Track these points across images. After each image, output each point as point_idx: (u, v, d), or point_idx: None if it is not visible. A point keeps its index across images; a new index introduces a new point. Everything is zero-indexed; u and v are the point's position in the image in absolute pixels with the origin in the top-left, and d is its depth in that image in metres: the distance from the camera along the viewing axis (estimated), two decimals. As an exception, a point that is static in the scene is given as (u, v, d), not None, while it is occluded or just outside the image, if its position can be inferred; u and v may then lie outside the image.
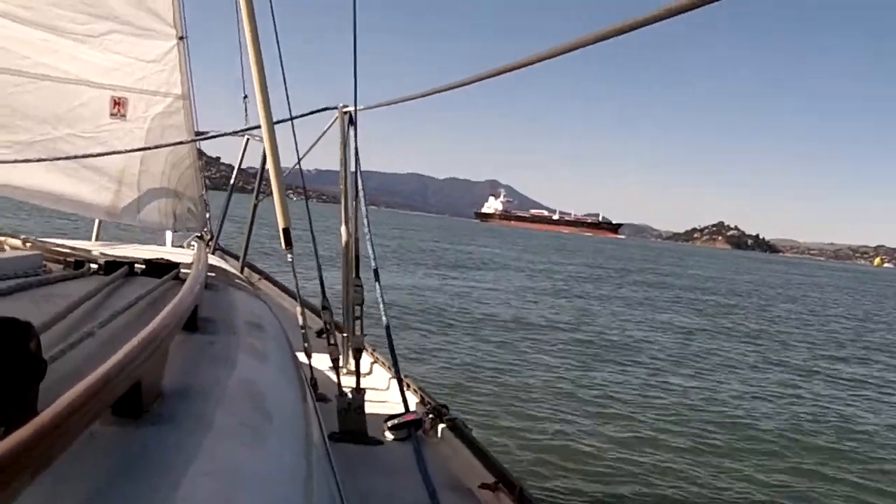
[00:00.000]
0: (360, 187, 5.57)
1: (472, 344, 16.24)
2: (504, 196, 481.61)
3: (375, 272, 5.46)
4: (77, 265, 3.10)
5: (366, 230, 5.49)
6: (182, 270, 3.20)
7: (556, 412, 11.28)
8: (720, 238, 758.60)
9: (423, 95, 4.50)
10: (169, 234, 8.05)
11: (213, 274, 3.49)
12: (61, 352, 1.48)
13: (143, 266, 3.26)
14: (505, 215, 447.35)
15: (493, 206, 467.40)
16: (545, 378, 13.65)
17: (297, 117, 5.34)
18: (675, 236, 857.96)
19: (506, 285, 32.63)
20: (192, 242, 7.60)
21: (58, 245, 3.98)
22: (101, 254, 3.80)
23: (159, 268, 3.20)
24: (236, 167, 8.46)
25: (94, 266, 3.13)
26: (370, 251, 5.46)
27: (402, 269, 34.68)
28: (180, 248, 7.45)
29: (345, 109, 5.62)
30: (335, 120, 5.70)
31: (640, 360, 17.00)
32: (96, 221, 7.95)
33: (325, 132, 5.78)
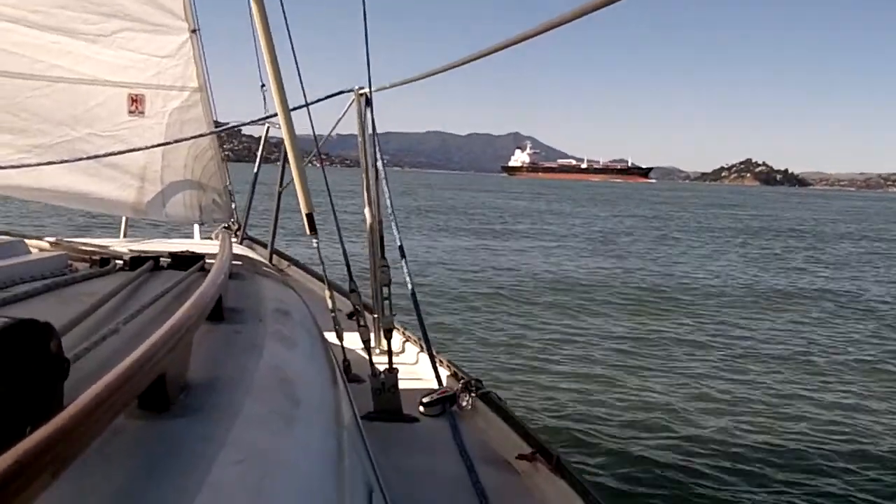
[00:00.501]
0: (380, 167, 5.58)
1: (524, 312, 16.16)
2: (530, 148, 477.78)
3: (401, 249, 5.47)
4: (102, 263, 3.11)
5: (388, 209, 5.50)
6: (207, 261, 3.21)
7: (592, 375, 11.27)
8: (749, 175, 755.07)
9: (438, 72, 4.50)
10: (196, 227, 8.10)
11: (239, 262, 3.51)
12: (85, 349, 1.49)
13: (169, 260, 3.27)
14: (533, 167, 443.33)
15: (519, 158, 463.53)
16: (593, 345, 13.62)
17: (313, 102, 5.34)
18: (703, 176, 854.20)
19: (550, 244, 32.33)
20: (220, 233, 7.64)
21: (83, 244, 4.02)
22: (128, 250, 3.82)
23: (185, 260, 3.21)
24: (259, 155, 8.48)
25: (119, 263, 3.15)
26: (395, 230, 5.48)
27: (437, 229, 34.42)
28: (208, 240, 7.49)
29: (360, 91, 5.63)
30: (352, 103, 5.71)
31: (703, 315, 16.95)
32: (123, 219, 8.02)
33: (342, 116, 5.79)
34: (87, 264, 3.16)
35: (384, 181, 5.53)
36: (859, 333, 15.78)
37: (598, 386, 10.84)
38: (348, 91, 5.74)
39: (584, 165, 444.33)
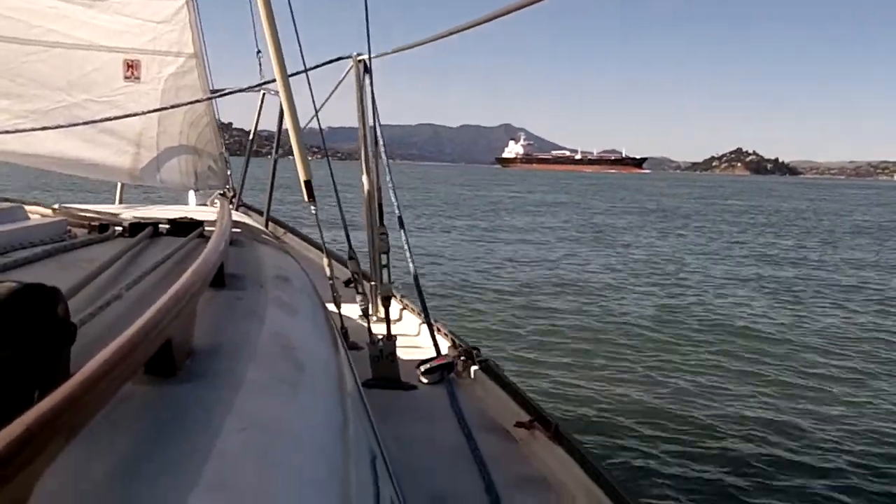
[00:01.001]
0: (379, 135, 5.56)
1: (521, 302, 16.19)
2: (524, 139, 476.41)
3: (400, 219, 5.46)
4: (102, 229, 3.11)
5: (387, 178, 5.49)
6: (206, 228, 3.21)
7: (591, 351, 11.31)
8: (739, 164, 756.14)
9: (437, 38, 4.48)
10: (192, 194, 8.07)
11: (238, 230, 3.50)
12: (90, 315, 1.48)
13: (168, 226, 3.26)
14: (527, 159, 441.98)
15: (513, 150, 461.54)
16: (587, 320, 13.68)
17: (311, 68, 5.31)
18: (693, 166, 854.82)
19: (546, 234, 32.41)
20: (216, 200, 7.62)
21: (82, 210, 4.00)
22: (127, 217, 3.81)
23: (184, 227, 3.21)
24: (254, 121, 8.44)
25: (118, 229, 3.14)
26: (393, 199, 5.46)
27: (434, 224, 34.33)
28: (204, 207, 7.47)
29: (359, 57, 5.59)
30: (350, 69, 5.67)
31: (695, 293, 16.96)
32: (118, 185, 7.98)
33: (340, 82, 5.76)
34: (86, 230, 3.15)
35: (383, 150, 5.50)
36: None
37: (599, 359, 10.89)
38: (346, 57, 5.70)
39: (578, 156, 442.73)
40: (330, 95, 5.88)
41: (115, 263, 2.28)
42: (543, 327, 12.70)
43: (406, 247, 5.44)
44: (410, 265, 5.41)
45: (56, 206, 4.00)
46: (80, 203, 4.95)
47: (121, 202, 7.88)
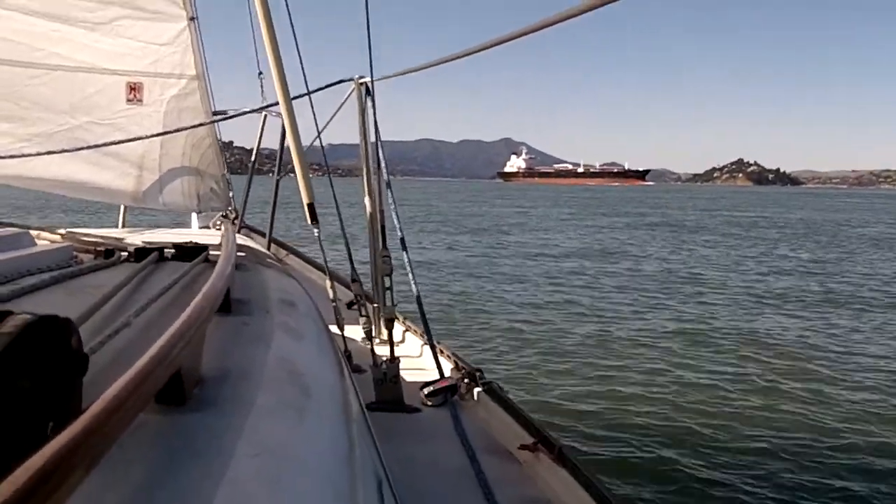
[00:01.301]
0: (381, 157, 5.58)
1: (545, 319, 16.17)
2: (525, 153, 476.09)
3: (402, 241, 5.47)
4: (108, 254, 3.12)
5: (389, 200, 5.50)
6: (211, 252, 3.22)
7: (597, 371, 11.29)
8: (741, 175, 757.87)
9: (439, 63, 4.50)
10: (194, 216, 8.09)
11: (242, 253, 3.51)
12: (100, 343, 1.49)
13: (173, 250, 3.28)
14: (529, 173, 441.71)
15: (515, 164, 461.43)
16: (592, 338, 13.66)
17: (314, 91, 5.33)
18: (694, 177, 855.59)
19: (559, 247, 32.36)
20: (218, 222, 7.63)
21: (87, 234, 4.01)
22: (131, 241, 3.82)
23: (189, 251, 3.22)
24: (256, 142, 8.46)
25: (124, 254, 3.15)
26: (395, 220, 5.47)
27: (437, 241, 34.26)
28: (207, 230, 7.48)
29: (361, 80, 5.62)
30: (352, 91, 5.70)
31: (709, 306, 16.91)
32: (121, 208, 8.00)
33: (342, 104, 5.78)
34: (92, 255, 3.16)
35: (385, 172, 5.52)
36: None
37: (602, 378, 10.87)
38: (349, 80, 5.72)
39: (580, 170, 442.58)
40: (332, 118, 5.91)
41: (122, 290, 2.28)
42: (548, 347, 12.67)
43: (409, 268, 5.46)
44: (413, 286, 5.42)
45: (63, 230, 4.01)
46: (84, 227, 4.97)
47: (124, 225, 7.90)
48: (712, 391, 10.45)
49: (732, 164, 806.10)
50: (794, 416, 9.45)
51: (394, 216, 5.46)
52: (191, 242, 3.37)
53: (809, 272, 24.96)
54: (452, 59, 4.21)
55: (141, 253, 3.07)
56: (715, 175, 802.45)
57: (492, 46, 3.46)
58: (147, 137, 6.67)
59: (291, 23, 4.88)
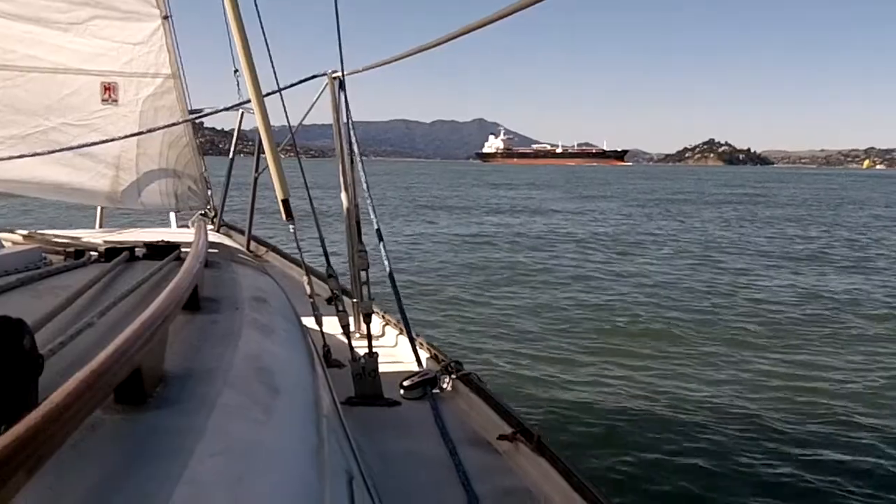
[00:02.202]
0: (355, 151, 5.58)
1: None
2: (504, 133, 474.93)
3: (378, 233, 5.47)
4: (77, 255, 3.10)
5: (365, 193, 5.50)
6: (183, 250, 3.21)
7: (576, 363, 11.31)
8: (712, 155, 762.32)
9: (410, 54, 4.49)
10: (173, 215, 8.07)
11: (215, 251, 3.50)
12: (61, 344, 1.48)
13: (144, 250, 3.27)
14: (507, 153, 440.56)
15: (493, 144, 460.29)
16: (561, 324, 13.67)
17: (286, 88, 5.32)
18: (666, 157, 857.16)
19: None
20: (196, 220, 7.62)
21: (58, 236, 4.00)
22: (104, 241, 3.81)
23: (160, 250, 3.21)
24: (233, 141, 8.44)
25: (94, 254, 3.14)
26: (371, 213, 5.47)
27: (411, 223, 34.11)
28: (185, 229, 7.46)
29: (334, 75, 5.61)
30: (325, 86, 5.69)
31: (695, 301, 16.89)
32: (98, 209, 7.97)
33: (316, 100, 5.77)
34: (62, 257, 3.15)
35: (360, 165, 5.52)
36: None
37: (579, 366, 10.89)
38: (321, 75, 5.71)
39: (559, 150, 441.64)
40: (306, 114, 5.88)
41: (89, 290, 2.28)
42: (529, 335, 12.67)
43: (386, 262, 5.46)
44: (389, 278, 5.43)
45: (32, 232, 4.00)
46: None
47: (101, 226, 7.88)
48: (691, 377, 10.48)
49: (704, 144, 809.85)
50: (771, 401, 9.50)
51: (370, 210, 5.46)
52: (163, 241, 3.37)
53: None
54: (424, 50, 4.21)
55: (111, 253, 3.06)
56: (687, 155, 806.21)
57: (462, 34, 3.46)
58: (123, 138, 6.65)
59: (261, 20, 4.87)
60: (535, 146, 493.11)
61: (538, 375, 10.24)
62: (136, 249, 3.23)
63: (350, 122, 5.57)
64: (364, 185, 5.49)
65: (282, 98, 5.24)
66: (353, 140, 5.57)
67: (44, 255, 2.99)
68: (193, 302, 2.19)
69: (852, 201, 62.95)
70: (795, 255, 24.81)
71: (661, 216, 42.19)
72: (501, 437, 3.88)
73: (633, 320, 14.03)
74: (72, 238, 4.03)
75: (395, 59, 4.70)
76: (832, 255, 25.09)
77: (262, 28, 4.89)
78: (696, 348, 12.09)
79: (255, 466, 1.24)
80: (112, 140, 6.55)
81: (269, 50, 4.98)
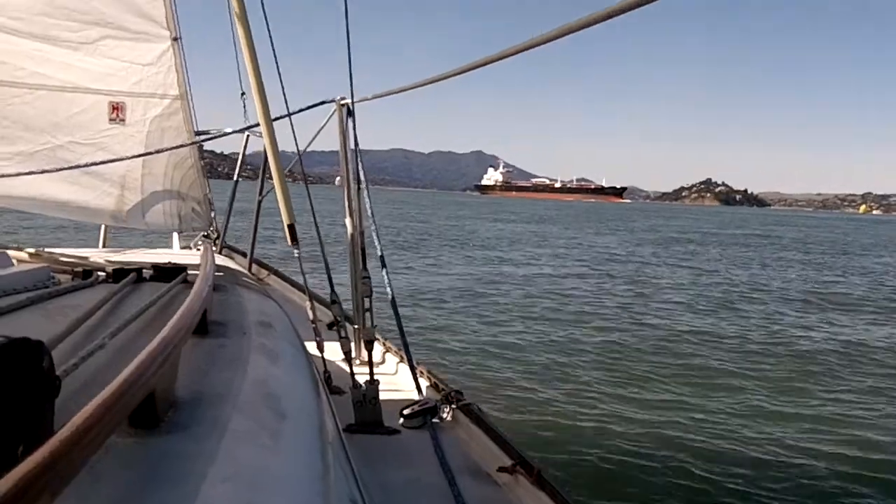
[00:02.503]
0: (361, 176, 5.59)
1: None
2: (503, 166, 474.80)
3: (382, 259, 5.48)
4: (85, 275, 3.12)
5: (370, 220, 5.51)
6: (190, 273, 3.22)
7: (578, 393, 11.29)
8: (709, 195, 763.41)
9: (419, 85, 4.51)
10: (175, 236, 8.07)
11: (220, 274, 3.51)
12: (74, 365, 1.49)
13: (151, 271, 3.27)
14: (506, 186, 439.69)
15: (492, 177, 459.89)
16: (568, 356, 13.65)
17: (294, 113, 5.34)
18: (663, 196, 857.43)
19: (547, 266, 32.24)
20: (199, 242, 7.63)
21: (65, 255, 4.01)
22: (109, 261, 3.82)
23: (167, 272, 3.22)
24: (238, 164, 8.48)
25: (102, 275, 3.15)
26: (375, 240, 5.48)
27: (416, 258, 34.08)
28: (188, 250, 7.47)
29: (342, 101, 5.63)
30: (333, 113, 5.71)
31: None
32: (102, 227, 7.98)
33: (323, 125, 5.79)
34: (70, 276, 3.15)
35: (366, 192, 5.54)
36: None
37: (583, 401, 10.86)
38: (330, 101, 5.73)
39: (557, 185, 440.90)
40: (313, 139, 5.91)
41: (98, 311, 2.29)
42: (531, 367, 12.65)
43: (389, 289, 5.46)
44: (393, 307, 5.43)
45: (40, 251, 4.00)
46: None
47: (104, 245, 7.89)
48: (695, 412, 10.46)
49: (701, 183, 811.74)
50: (786, 435, 9.49)
51: (374, 237, 5.47)
52: (169, 263, 3.38)
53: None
54: (433, 81, 4.23)
55: (119, 274, 3.07)
56: (683, 194, 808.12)
57: (469, 70, 3.48)
58: (129, 158, 6.66)
59: (272, 45, 4.89)
60: (533, 180, 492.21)
61: (540, 408, 10.21)
62: (144, 271, 3.24)
63: (357, 149, 5.59)
64: (369, 212, 5.50)
65: (291, 123, 5.26)
66: (360, 167, 5.59)
67: (52, 273, 3.00)
68: (202, 326, 2.20)
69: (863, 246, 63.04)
70: (809, 297, 24.79)
71: (672, 256, 42.29)
72: (501, 469, 3.87)
73: (641, 359, 13.98)
74: (78, 257, 4.04)
75: (405, 90, 4.72)
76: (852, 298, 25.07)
77: (274, 53, 4.91)
78: (705, 388, 12.04)
79: (265, 492, 1.24)
80: (119, 160, 6.56)
81: (279, 74, 5.00)
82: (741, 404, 11.03)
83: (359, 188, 5.57)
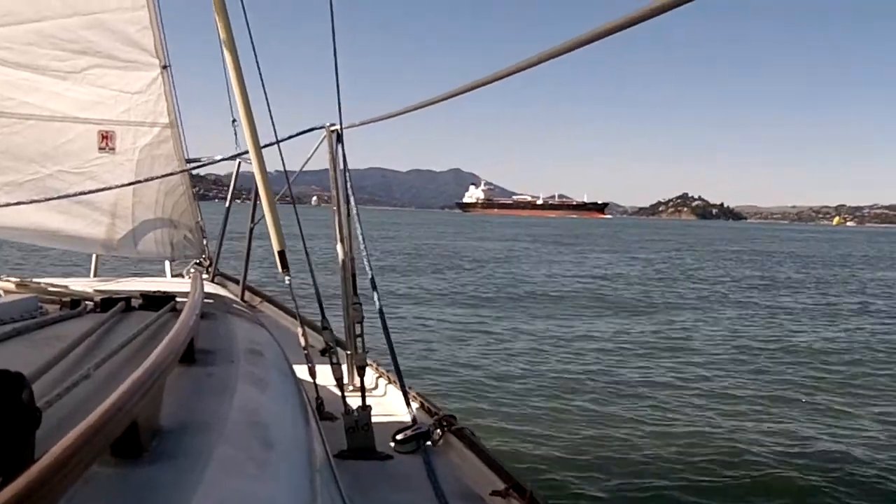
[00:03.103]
0: (352, 203, 5.59)
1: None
2: (484, 184, 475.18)
3: (373, 282, 5.48)
4: (73, 304, 3.11)
5: (361, 245, 5.51)
6: (179, 301, 3.21)
7: (570, 415, 11.28)
8: (685, 209, 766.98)
9: (407, 111, 4.53)
10: (168, 264, 8.06)
11: (210, 301, 3.50)
12: (57, 396, 1.48)
13: (140, 300, 3.26)
14: (488, 203, 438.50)
15: (474, 194, 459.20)
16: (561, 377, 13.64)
17: (284, 139, 5.36)
18: (640, 210, 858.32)
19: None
20: (192, 270, 7.62)
21: (53, 285, 4.00)
22: (98, 291, 3.81)
23: (156, 301, 3.21)
24: (230, 191, 8.47)
25: (90, 304, 3.14)
26: (366, 265, 5.48)
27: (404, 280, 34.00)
28: (180, 279, 7.45)
29: (332, 128, 5.65)
30: (323, 139, 5.72)
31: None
32: (94, 256, 7.96)
33: (314, 152, 5.80)
34: (58, 306, 3.15)
35: (356, 217, 5.54)
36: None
37: (575, 424, 10.85)
38: (319, 128, 5.75)
39: (539, 202, 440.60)
40: (304, 165, 5.92)
41: (85, 341, 2.28)
42: (522, 390, 12.63)
43: (380, 313, 5.45)
44: (384, 332, 5.42)
45: (29, 281, 3.99)
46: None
47: (95, 274, 7.87)
48: (689, 433, 10.45)
49: (678, 198, 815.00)
50: (788, 450, 9.49)
51: (365, 262, 5.47)
52: (158, 292, 3.37)
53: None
54: (421, 107, 4.25)
55: (107, 303, 3.06)
56: (660, 209, 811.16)
57: (457, 95, 3.49)
58: (120, 186, 6.65)
59: (260, 73, 4.91)
60: (515, 197, 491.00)
61: (532, 432, 10.19)
62: (132, 300, 3.23)
63: (347, 174, 5.59)
64: (360, 238, 5.50)
65: (280, 150, 5.27)
66: (350, 192, 5.60)
67: (40, 304, 2.99)
68: (189, 354, 2.19)
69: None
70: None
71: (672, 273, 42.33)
72: (494, 493, 3.86)
73: (637, 380, 13.98)
74: (66, 287, 4.03)
75: (393, 115, 4.74)
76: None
77: (262, 81, 4.92)
78: (696, 408, 12.07)
79: None
80: (109, 188, 6.55)
81: (268, 102, 5.01)
82: (761, 423, 11.04)
83: (349, 213, 5.57)
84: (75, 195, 6.47)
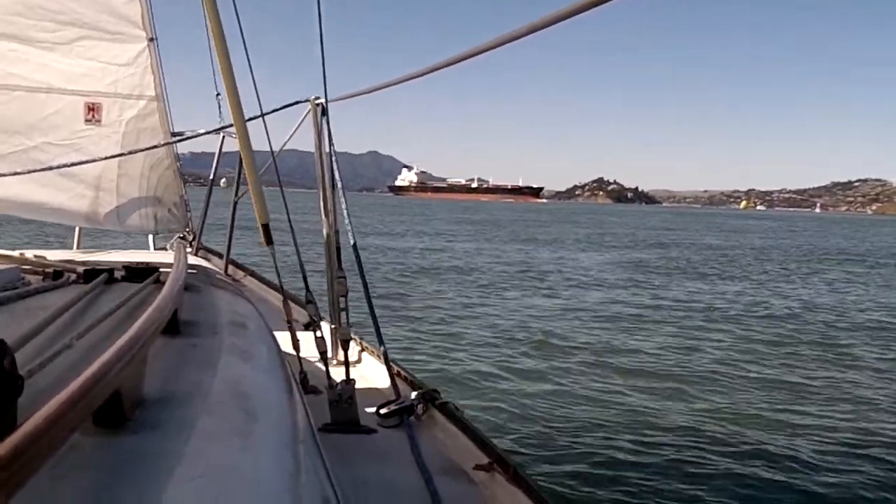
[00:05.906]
0: (337, 176, 5.57)
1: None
2: (416, 168, 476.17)
3: (357, 259, 5.46)
4: (56, 276, 3.10)
5: (345, 219, 5.50)
6: (163, 273, 3.20)
7: (551, 389, 11.31)
8: (601, 193, 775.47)
9: (394, 83, 4.51)
10: (151, 237, 8.04)
11: (194, 273, 3.50)
12: (40, 365, 1.48)
13: (123, 272, 3.26)
14: (421, 187, 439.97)
15: (406, 178, 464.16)
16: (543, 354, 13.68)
17: (268, 113, 5.32)
18: (557, 195, 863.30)
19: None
20: (175, 243, 7.60)
21: (36, 256, 3.98)
22: (81, 262, 3.80)
23: (139, 272, 3.20)
24: (214, 165, 8.44)
25: (72, 275, 3.13)
26: (351, 239, 5.47)
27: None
28: (163, 251, 7.44)
29: (317, 101, 5.62)
30: (308, 112, 5.70)
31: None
32: (77, 229, 7.93)
33: (298, 125, 5.78)
34: (41, 277, 3.14)
35: (341, 192, 5.53)
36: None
37: (557, 394, 10.89)
38: (304, 101, 5.72)
39: (474, 185, 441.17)
40: (288, 139, 5.91)
41: (67, 311, 2.27)
42: (504, 364, 12.68)
43: (364, 288, 5.45)
44: (369, 306, 5.42)
45: (10, 252, 3.97)
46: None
47: (79, 246, 7.84)
48: (676, 412, 10.49)
49: (594, 182, 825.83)
50: (759, 426, 9.54)
51: (350, 237, 5.46)
52: (142, 263, 3.36)
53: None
54: (407, 80, 4.24)
55: (90, 274, 3.05)
56: (577, 193, 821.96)
57: (440, 68, 3.49)
58: (105, 158, 6.62)
59: (245, 45, 4.87)
60: (449, 180, 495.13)
61: (517, 406, 10.23)
62: (115, 271, 3.22)
63: (332, 149, 5.58)
64: (344, 212, 5.49)
65: (265, 122, 5.25)
66: (335, 166, 5.58)
67: (22, 275, 2.98)
68: (173, 325, 2.19)
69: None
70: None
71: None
72: (478, 467, 3.87)
73: (616, 356, 14.04)
74: (49, 258, 4.01)
75: (379, 88, 4.72)
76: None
77: (247, 52, 4.89)
78: (682, 383, 12.13)
79: (232, 492, 1.24)
80: (94, 161, 6.52)
81: (252, 75, 4.97)
82: (738, 406, 11.09)
83: (334, 188, 5.56)
84: (60, 167, 6.44)
